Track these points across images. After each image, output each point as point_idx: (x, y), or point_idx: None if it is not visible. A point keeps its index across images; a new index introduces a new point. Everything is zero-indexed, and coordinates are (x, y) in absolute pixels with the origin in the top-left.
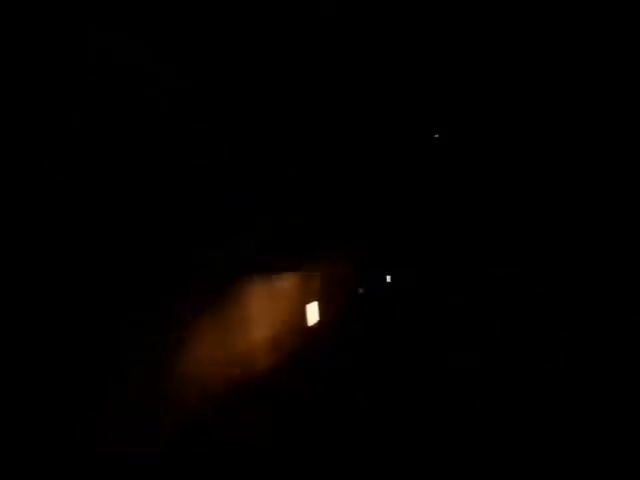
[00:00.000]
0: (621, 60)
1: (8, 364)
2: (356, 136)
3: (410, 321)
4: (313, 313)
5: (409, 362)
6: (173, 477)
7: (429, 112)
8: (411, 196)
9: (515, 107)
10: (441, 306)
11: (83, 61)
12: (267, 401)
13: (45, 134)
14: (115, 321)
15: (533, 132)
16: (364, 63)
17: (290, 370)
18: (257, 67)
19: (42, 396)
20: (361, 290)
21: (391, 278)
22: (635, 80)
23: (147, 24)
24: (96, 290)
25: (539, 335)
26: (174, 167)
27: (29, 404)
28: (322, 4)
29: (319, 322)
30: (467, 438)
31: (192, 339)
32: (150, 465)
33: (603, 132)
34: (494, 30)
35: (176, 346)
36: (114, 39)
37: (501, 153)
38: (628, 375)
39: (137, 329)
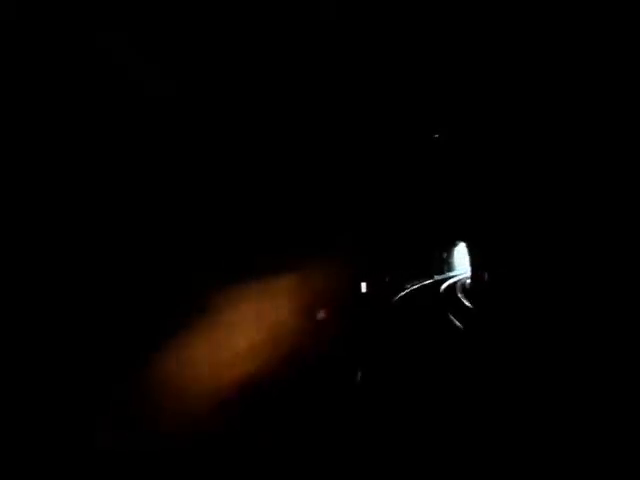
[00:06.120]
0: (620, 60)
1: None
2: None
3: None
4: (364, 286)
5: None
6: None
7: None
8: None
9: (514, 107)
10: None
11: (84, 62)
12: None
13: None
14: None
15: (532, 132)
16: (364, 66)
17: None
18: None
19: (47, 392)
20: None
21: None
22: (635, 80)
23: (151, 25)
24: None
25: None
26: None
27: (41, 399)
28: (322, 7)
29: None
30: None
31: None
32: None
33: (603, 132)
34: (492, 32)
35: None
36: (118, 40)
37: (500, 153)
38: None
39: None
